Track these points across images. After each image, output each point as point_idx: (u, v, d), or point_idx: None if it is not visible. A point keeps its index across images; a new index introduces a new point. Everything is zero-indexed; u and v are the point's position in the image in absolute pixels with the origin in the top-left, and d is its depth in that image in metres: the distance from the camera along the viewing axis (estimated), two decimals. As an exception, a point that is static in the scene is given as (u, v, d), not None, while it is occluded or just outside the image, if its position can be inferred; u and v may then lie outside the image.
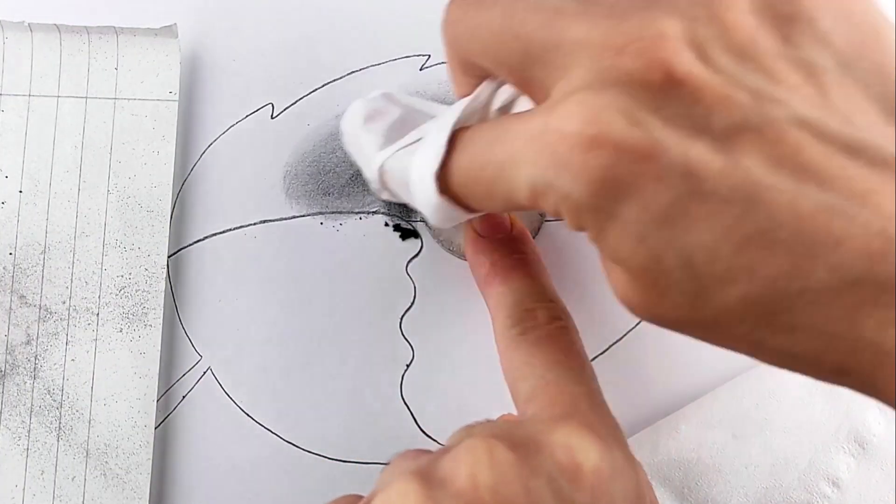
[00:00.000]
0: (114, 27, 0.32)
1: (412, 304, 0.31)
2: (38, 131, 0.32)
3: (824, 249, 0.17)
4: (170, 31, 0.32)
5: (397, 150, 0.25)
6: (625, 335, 0.31)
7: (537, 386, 0.24)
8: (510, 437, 0.21)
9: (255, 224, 0.32)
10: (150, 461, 0.30)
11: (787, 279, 0.17)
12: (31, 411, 0.30)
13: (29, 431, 0.30)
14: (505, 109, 0.25)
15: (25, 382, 0.30)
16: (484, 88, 0.24)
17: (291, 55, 0.33)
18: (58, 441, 0.30)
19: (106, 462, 0.30)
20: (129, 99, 0.32)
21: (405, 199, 0.26)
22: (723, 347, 0.20)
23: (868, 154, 0.18)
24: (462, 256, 0.31)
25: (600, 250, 0.20)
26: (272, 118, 0.32)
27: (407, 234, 0.32)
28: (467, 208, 0.24)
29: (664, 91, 0.18)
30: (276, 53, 0.33)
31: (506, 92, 0.24)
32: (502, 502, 0.20)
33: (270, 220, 0.32)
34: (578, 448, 0.21)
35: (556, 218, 0.20)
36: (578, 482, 0.20)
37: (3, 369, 0.31)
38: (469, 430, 0.23)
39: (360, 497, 0.23)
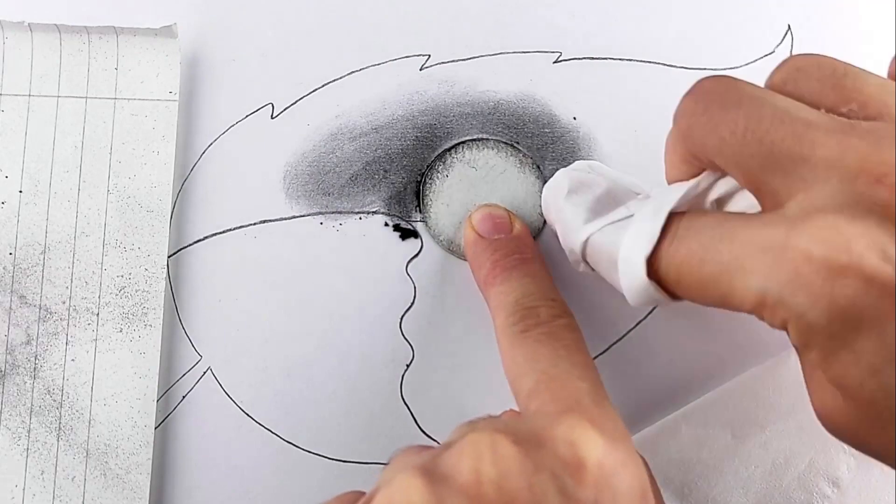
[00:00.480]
0: (114, 27, 0.32)
1: (412, 304, 0.31)
2: (38, 131, 0.32)
3: None
4: (170, 31, 0.32)
5: (605, 226, 0.25)
6: (625, 335, 0.31)
7: (540, 381, 0.24)
8: (513, 431, 0.21)
9: (255, 224, 0.32)
10: (150, 461, 0.30)
11: None
12: (31, 411, 0.30)
13: (29, 431, 0.30)
14: (721, 202, 0.24)
15: (25, 382, 0.30)
16: (705, 178, 0.24)
17: (291, 55, 0.33)
18: (58, 441, 0.30)
19: (106, 462, 0.30)
20: (129, 99, 0.32)
21: (604, 273, 0.26)
22: None
23: None
24: (462, 256, 0.31)
25: (817, 369, 0.20)
26: (272, 118, 0.32)
27: (407, 233, 0.32)
28: (671, 295, 0.23)
29: None
30: (276, 53, 0.33)
31: (725, 185, 0.24)
32: (506, 497, 0.20)
33: (270, 220, 0.32)
34: (581, 443, 0.21)
35: (776, 328, 0.20)
36: (581, 477, 0.20)
37: (3, 369, 0.31)
38: (471, 426, 0.22)
39: (362, 494, 0.23)
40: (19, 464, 0.30)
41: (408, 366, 0.31)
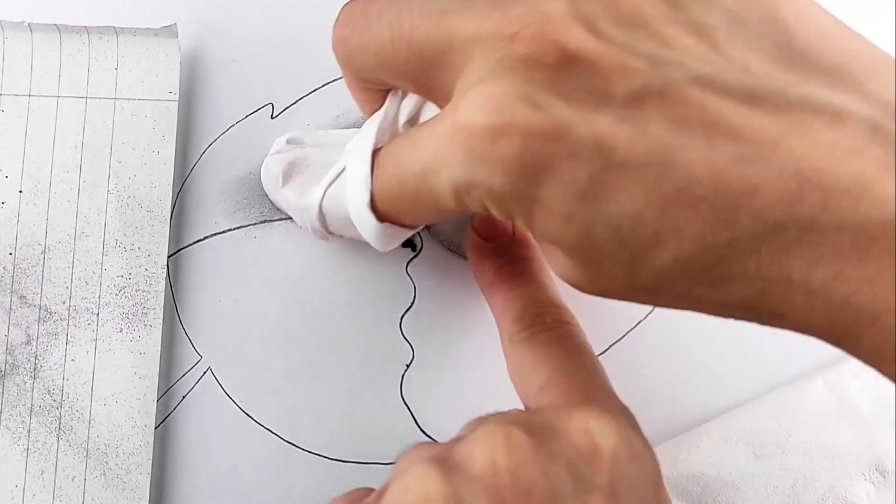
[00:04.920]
0: (114, 27, 0.32)
1: (412, 304, 0.31)
2: (38, 131, 0.32)
3: (744, 199, 0.17)
4: (170, 31, 0.32)
5: (325, 190, 0.26)
6: (625, 335, 0.31)
7: (552, 377, 0.24)
8: (526, 423, 0.21)
9: (255, 224, 0.32)
10: (150, 461, 0.30)
11: (714, 233, 0.18)
12: (31, 411, 0.30)
13: (29, 431, 0.30)
14: (413, 120, 0.24)
15: (25, 382, 0.30)
16: (390, 105, 0.24)
17: (291, 55, 0.33)
18: (58, 441, 0.30)
19: (106, 462, 0.30)
20: (129, 99, 0.32)
21: (351, 234, 0.26)
22: (665, 307, 0.20)
23: (771, 100, 0.18)
24: (462, 256, 0.31)
25: (533, 235, 0.20)
26: (272, 118, 0.32)
27: (405, 244, 0.32)
28: (407, 226, 0.24)
29: (560, 70, 0.18)
30: (276, 53, 0.33)
31: (410, 103, 0.24)
32: (521, 485, 0.20)
33: (270, 220, 0.32)
34: (596, 431, 0.21)
35: (484, 213, 0.21)
36: (597, 465, 0.21)
37: (3, 369, 0.31)
38: (481, 420, 0.23)
39: (371, 490, 0.23)
40: (19, 464, 0.30)
41: (408, 366, 0.31)
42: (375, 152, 0.23)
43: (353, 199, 0.24)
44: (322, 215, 0.26)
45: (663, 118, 0.18)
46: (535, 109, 0.18)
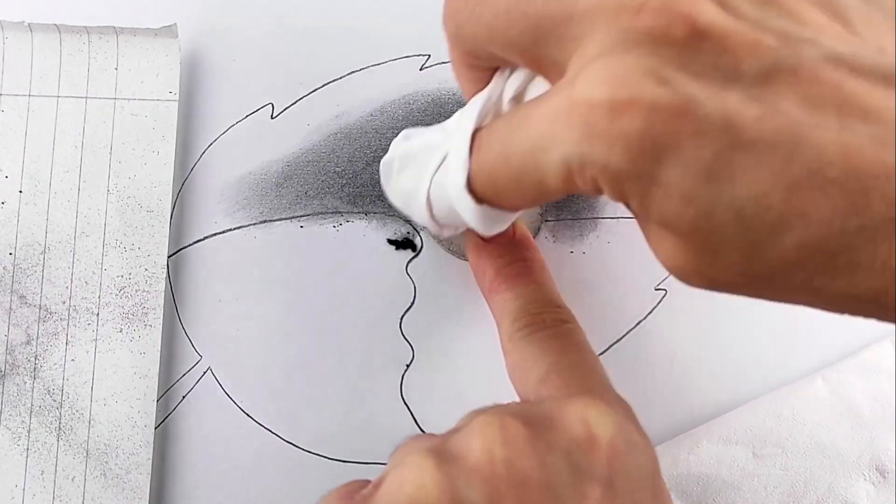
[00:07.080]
0: (114, 27, 0.32)
1: (412, 304, 0.31)
2: (38, 131, 0.32)
3: (878, 182, 0.16)
4: (170, 31, 0.32)
5: (432, 178, 0.25)
6: (625, 335, 0.31)
7: (551, 371, 0.24)
8: (524, 414, 0.21)
9: (255, 224, 0.32)
10: (150, 461, 0.30)
11: (844, 218, 0.17)
12: (31, 411, 0.30)
13: (29, 431, 0.30)
14: (518, 98, 0.24)
15: (25, 382, 0.30)
16: (495, 84, 0.24)
17: (291, 55, 0.33)
18: (58, 441, 0.30)
19: (106, 462, 0.30)
20: (129, 99, 0.32)
21: (458, 223, 0.25)
22: (780, 301, 0.19)
23: None
24: (462, 256, 0.31)
25: (644, 218, 0.19)
26: (272, 118, 0.32)
27: (400, 245, 0.32)
28: (506, 209, 0.23)
29: (689, 45, 0.18)
30: (276, 53, 0.33)
31: (516, 80, 0.23)
32: (517, 476, 0.20)
33: (270, 220, 0.32)
34: (594, 421, 0.21)
35: (593, 195, 0.20)
36: (594, 454, 0.21)
37: (3, 369, 0.31)
38: (479, 412, 0.22)
39: (368, 481, 0.23)
40: (19, 464, 0.30)
41: (408, 366, 0.31)
42: (476, 132, 0.22)
43: (452, 181, 0.23)
44: (430, 204, 0.25)
45: (795, 97, 0.17)
46: (661, 85, 0.17)
